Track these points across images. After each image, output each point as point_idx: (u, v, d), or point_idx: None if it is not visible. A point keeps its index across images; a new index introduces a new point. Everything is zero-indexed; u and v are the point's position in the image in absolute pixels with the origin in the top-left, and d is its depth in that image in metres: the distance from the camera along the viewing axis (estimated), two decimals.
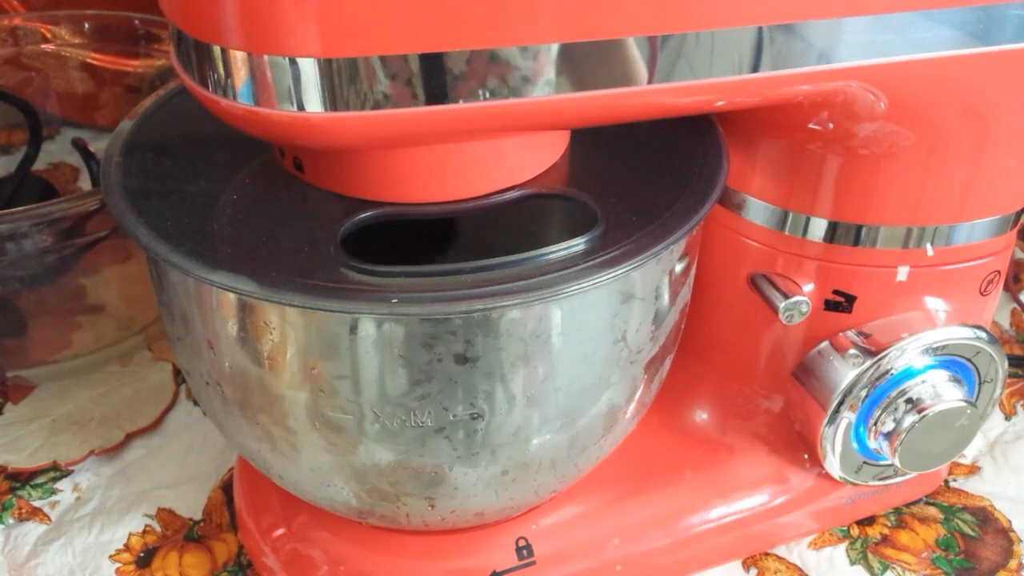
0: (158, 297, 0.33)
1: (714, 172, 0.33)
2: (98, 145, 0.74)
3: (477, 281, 0.28)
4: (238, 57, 0.27)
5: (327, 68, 0.26)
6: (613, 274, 0.28)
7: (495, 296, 0.27)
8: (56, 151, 0.72)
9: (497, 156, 0.31)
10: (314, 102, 0.27)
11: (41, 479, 0.47)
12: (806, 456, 0.43)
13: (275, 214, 0.31)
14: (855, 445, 0.41)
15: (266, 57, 0.26)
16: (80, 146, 0.58)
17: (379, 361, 0.29)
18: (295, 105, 0.27)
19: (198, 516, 0.45)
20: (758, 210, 0.39)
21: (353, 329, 0.28)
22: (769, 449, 0.44)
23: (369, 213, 0.30)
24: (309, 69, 0.26)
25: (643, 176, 0.33)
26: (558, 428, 0.32)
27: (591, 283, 0.28)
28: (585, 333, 0.30)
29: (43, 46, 0.65)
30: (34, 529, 0.44)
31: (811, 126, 0.35)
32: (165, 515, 0.45)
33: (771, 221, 0.39)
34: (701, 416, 0.45)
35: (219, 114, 0.28)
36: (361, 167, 0.31)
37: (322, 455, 0.32)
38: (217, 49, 0.27)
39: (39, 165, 0.64)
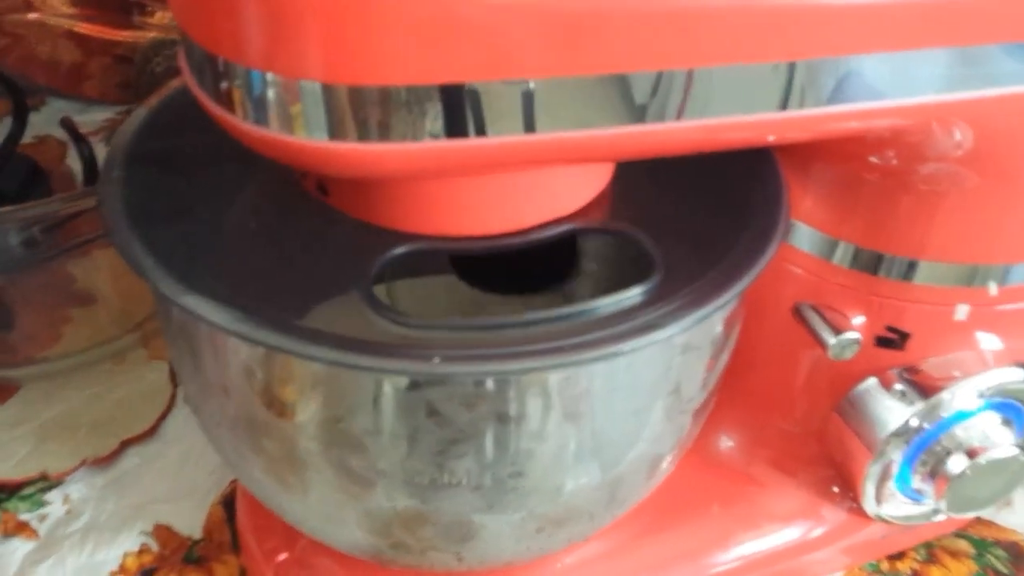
0: (164, 331, 0.30)
1: (775, 205, 0.31)
2: (86, 119, 0.71)
3: (527, 337, 0.25)
4: (265, 79, 0.24)
5: (362, 96, 0.23)
6: (675, 331, 0.26)
7: (548, 355, 0.24)
8: (41, 123, 0.68)
9: (542, 186, 0.29)
10: (349, 132, 0.24)
11: (29, 490, 0.44)
12: (836, 489, 0.42)
13: (297, 246, 0.28)
14: (897, 485, 0.39)
15: (298, 81, 0.23)
16: (69, 127, 0.54)
17: (414, 420, 0.26)
18: (327, 134, 0.24)
19: (197, 534, 0.43)
20: (806, 236, 0.36)
21: (387, 386, 0.26)
22: (799, 482, 0.42)
23: (403, 249, 0.28)
24: (343, 96, 0.23)
25: (697, 209, 0.31)
26: (599, 482, 0.30)
27: (651, 341, 0.25)
28: (638, 389, 0.28)
29: (29, 15, 0.61)
30: (21, 547, 0.42)
31: (871, 159, 0.32)
32: (163, 532, 0.43)
33: (820, 249, 0.36)
34: (727, 444, 0.43)
35: (237, 135, 0.25)
36: (393, 195, 0.28)
37: (340, 505, 0.30)
38: (240, 69, 0.24)
39: (24, 138, 0.60)
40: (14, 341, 0.49)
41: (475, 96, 0.24)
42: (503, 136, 0.24)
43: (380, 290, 0.27)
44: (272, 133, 0.24)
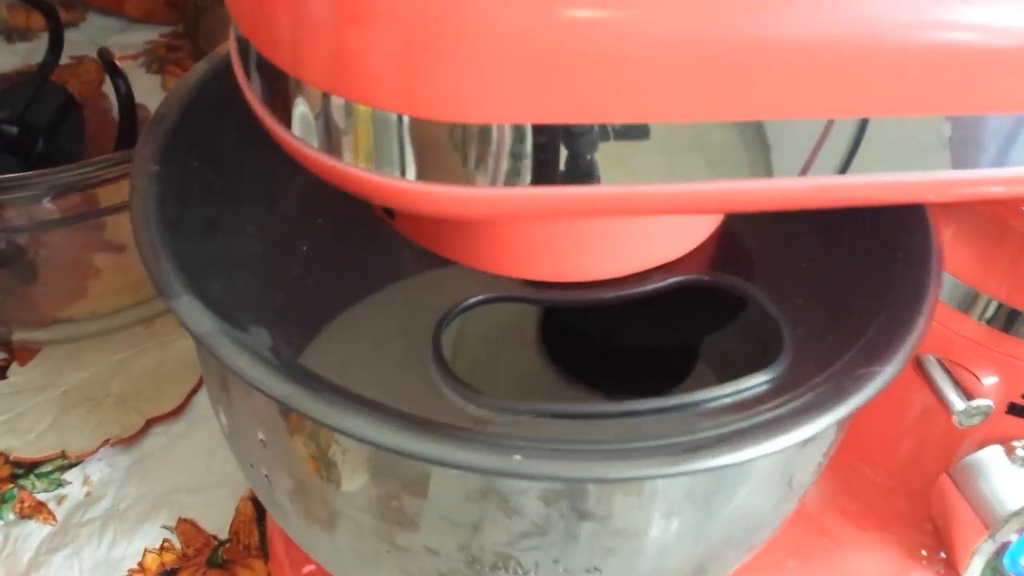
0: (203, 371, 0.26)
1: (923, 259, 0.26)
2: (126, 40, 0.66)
3: (626, 433, 0.20)
4: (335, 105, 0.19)
5: (458, 134, 0.18)
6: (810, 432, 0.21)
7: (652, 460, 0.20)
8: (80, 42, 0.63)
9: (646, 231, 0.24)
10: (437, 171, 0.19)
11: (47, 467, 0.41)
12: (925, 553, 0.37)
13: (355, 279, 0.24)
14: (1008, 564, 0.34)
15: (377, 111, 0.19)
16: (107, 60, 0.49)
17: (480, 509, 0.22)
18: (399, 171, 0.19)
19: (224, 534, 0.39)
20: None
21: (454, 472, 0.21)
22: (883, 541, 0.38)
23: (479, 298, 0.23)
24: (442, 135, 0.19)
25: (827, 260, 0.25)
26: (688, 573, 0.26)
27: (782, 447, 0.21)
28: (748, 488, 0.23)
29: None
30: (37, 530, 0.39)
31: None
32: (186, 528, 0.39)
33: (953, 299, 0.31)
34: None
35: (300, 160, 0.21)
36: (471, 230, 0.23)
37: (377, 565, 0.26)
38: (317, 93, 0.19)
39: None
40: (36, 296, 0.45)
41: (594, 138, 0.19)
42: (621, 186, 0.20)
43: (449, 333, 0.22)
44: (343, 167, 0.19)
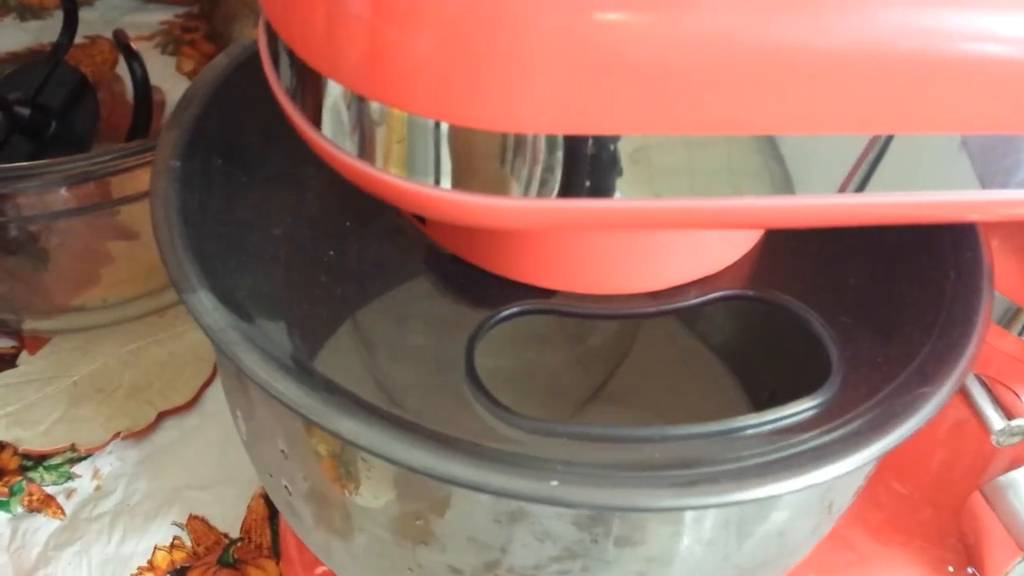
0: (221, 376, 0.25)
1: (975, 276, 0.25)
2: (142, 19, 0.64)
3: (669, 459, 0.20)
4: (370, 108, 0.18)
5: (496, 144, 0.18)
6: (861, 461, 0.20)
7: (694, 489, 0.19)
8: (93, 21, 0.62)
9: (686, 244, 0.23)
10: (474, 180, 0.18)
11: (57, 459, 0.40)
12: (951, 569, 0.36)
13: (382, 287, 0.23)
14: None
15: (414, 117, 0.18)
16: (122, 42, 0.48)
17: (510, 532, 0.21)
18: (433, 178, 0.18)
19: (235, 532, 0.39)
20: None
21: (484, 495, 0.20)
22: (908, 554, 0.37)
23: (513, 309, 0.22)
24: (483, 143, 0.18)
25: (872, 278, 0.24)
26: None
27: (833, 475, 0.20)
28: (788, 514, 0.22)
29: None
30: (45, 524, 0.38)
31: None
32: (197, 525, 0.39)
33: (994, 313, 0.30)
34: None
35: (329, 161, 0.20)
36: (505, 239, 0.22)
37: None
38: (351, 94, 0.18)
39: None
40: (47, 282, 0.44)
41: (632, 151, 0.18)
42: (668, 199, 0.19)
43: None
44: (379, 175, 0.18)
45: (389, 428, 0.19)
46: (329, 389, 0.20)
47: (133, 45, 0.51)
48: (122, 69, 0.60)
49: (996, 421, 0.30)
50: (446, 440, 0.19)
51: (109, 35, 0.60)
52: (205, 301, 0.21)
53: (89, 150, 0.52)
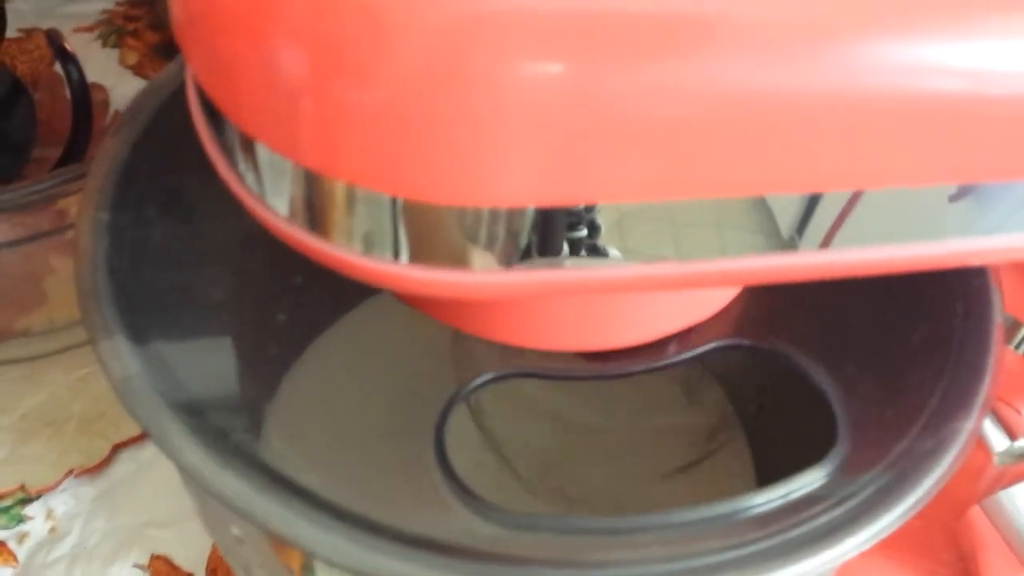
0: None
1: (984, 311, 0.23)
2: (79, 8, 0.61)
3: (665, 550, 0.18)
4: (316, 180, 0.15)
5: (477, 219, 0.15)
6: (876, 530, 0.18)
7: None
8: (27, 12, 0.58)
9: (670, 296, 0.20)
10: (434, 254, 0.16)
11: (7, 502, 0.38)
12: None
13: (341, 358, 0.20)
14: None
15: (366, 192, 0.15)
16: (56, 44, 0.45)
17: None
18: (391, 253, 0.16)
19: (201, 571, 0.37)
20: None
21: None
22: (896, 567, 0.36)
23: (487, 376, 0.20)
24: (444, 218, 0.15)
25: (876, 318, 0.22)
26: None
27: (850, 551, 0.18)
28: None
29: None
30: None
31: None
32: (160, 566, 0.37)
33: None
34: None
35: (274, 233, 0.17)
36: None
37: None
38: (305, 174, 0.16)
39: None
40: None
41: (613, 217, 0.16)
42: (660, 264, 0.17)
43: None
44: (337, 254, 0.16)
45: (345, 528, 0.17)
46: (274, 479, 0.18)
47: (72, 37, 0.47)
48: (60, 68, 0.56)
49: (998, 442, 0.28)
50: (413, 542, 0.17)
51: (46, 27, 0.57)
52: (138, 387, 0.18)
53: (29, 157, 0.49)
